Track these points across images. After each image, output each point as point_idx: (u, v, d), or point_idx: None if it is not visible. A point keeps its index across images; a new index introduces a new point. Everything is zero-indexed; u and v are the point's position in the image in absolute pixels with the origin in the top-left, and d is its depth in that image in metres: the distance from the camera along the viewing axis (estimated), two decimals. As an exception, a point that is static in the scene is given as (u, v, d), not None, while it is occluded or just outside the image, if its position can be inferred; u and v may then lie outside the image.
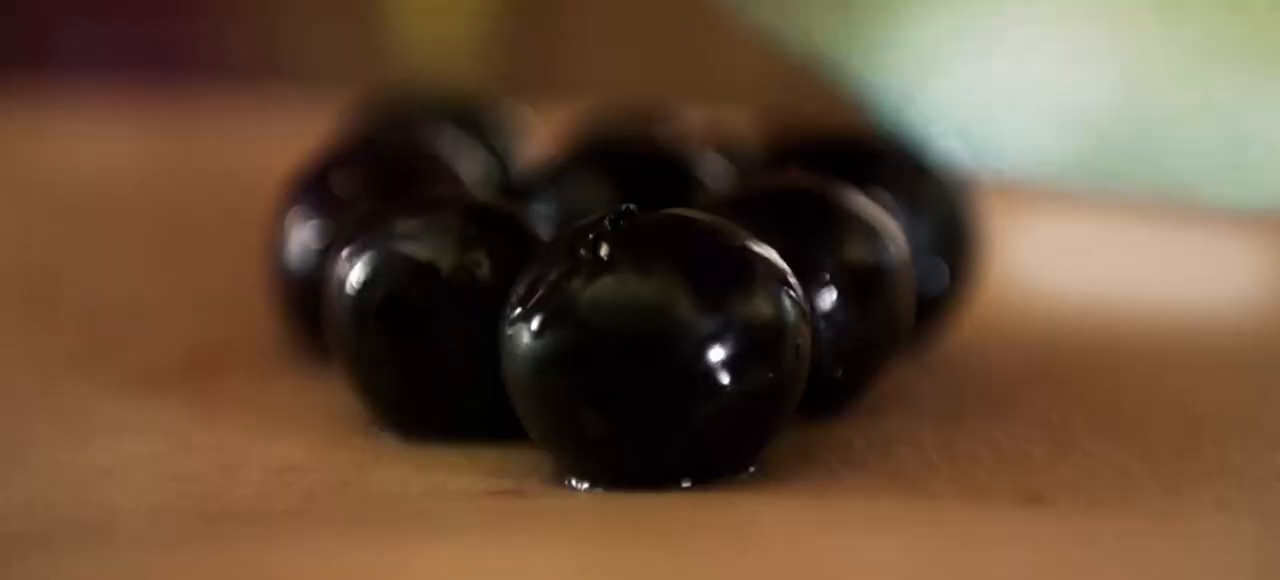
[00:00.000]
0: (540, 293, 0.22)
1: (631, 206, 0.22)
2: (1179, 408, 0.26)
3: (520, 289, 0.22)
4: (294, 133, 0.32)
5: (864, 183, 0.25)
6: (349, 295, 0.24)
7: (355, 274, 0.24)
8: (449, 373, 0.24)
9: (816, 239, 0.24)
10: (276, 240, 0.27)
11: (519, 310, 0.22)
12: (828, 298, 0.24)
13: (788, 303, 0.22)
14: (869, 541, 0.21)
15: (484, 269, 0.24)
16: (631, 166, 0.27)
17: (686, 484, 0.22)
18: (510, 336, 0.22)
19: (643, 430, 0.22)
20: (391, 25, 0.67)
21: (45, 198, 0.40)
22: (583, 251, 0.22)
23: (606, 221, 0.22)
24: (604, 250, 0.22)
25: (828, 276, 0.24)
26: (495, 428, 0.23)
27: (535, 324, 0.22)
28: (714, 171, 0.27)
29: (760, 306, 0.22)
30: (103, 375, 0.27)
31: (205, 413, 0.26)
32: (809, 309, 0.23)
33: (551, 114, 0.34)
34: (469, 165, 0.28)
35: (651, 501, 0.22)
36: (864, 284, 0.24)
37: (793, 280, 0.22)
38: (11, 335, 0.30)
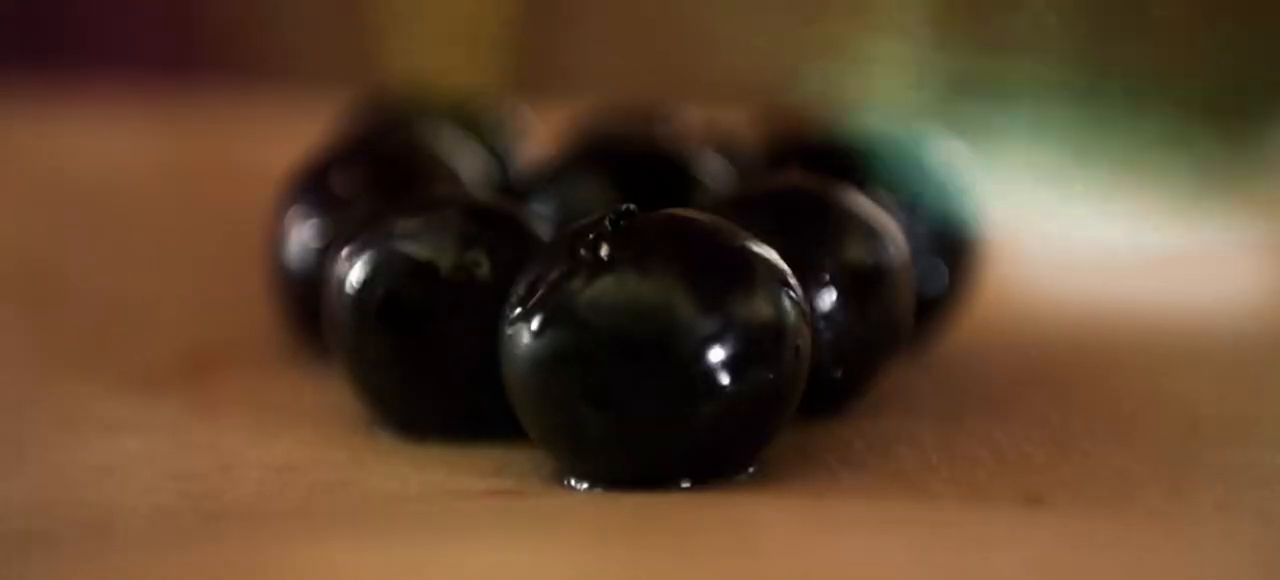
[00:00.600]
0: (540, 293, 0.22)
1: (631, 206, 0.22)
2: (1179, 408, 0.26)
3: (520, 289, 0.22)
4: (294, 133, 0.32)
5: (864, 183, 0.25)
6: (349, 295, 0.24)
7: (355, 273, 0.24)
8: (449, 373, 0.24)
9: (816, 239, 0.24)
10: (276, 240, 0.27)
11: (519, 310, 0.22)
12: (828, 298, 0.24)
13: (788, 303, 0.22)
14: (868, 542, 0.21)
15: (484, 269, 0.24)
16: (631, 166, 0.27)
17: (686, 484, 0.22)
18: (510, 336, 0.22)
19: (643, 430, 0.22)
20: (391, 25, 0.67)
21: (46, 196, 0.40)
22: (583, 251, 0.22)
23: (606, 221, 0.22)
24: (604, 250, 0.22)
25: (828, 276, 0.24)
26: (495, 428, 0.23)
27: (535, 324, 0.22)
28: (714, 171, 0.27)
29: (760, 307, 0.22)
30: (103, 375, 0.27)
31: (205, 412, 0.26)
32: (809, 309, 0.23)
33: (551, 114, 0.34)
34: (469, 165, 0.28)
35: (651, 501, 0.22)
36: (864, 284, 0.24)
37: (793, 280, 0.22)
38: (11, 334, 0.30)
